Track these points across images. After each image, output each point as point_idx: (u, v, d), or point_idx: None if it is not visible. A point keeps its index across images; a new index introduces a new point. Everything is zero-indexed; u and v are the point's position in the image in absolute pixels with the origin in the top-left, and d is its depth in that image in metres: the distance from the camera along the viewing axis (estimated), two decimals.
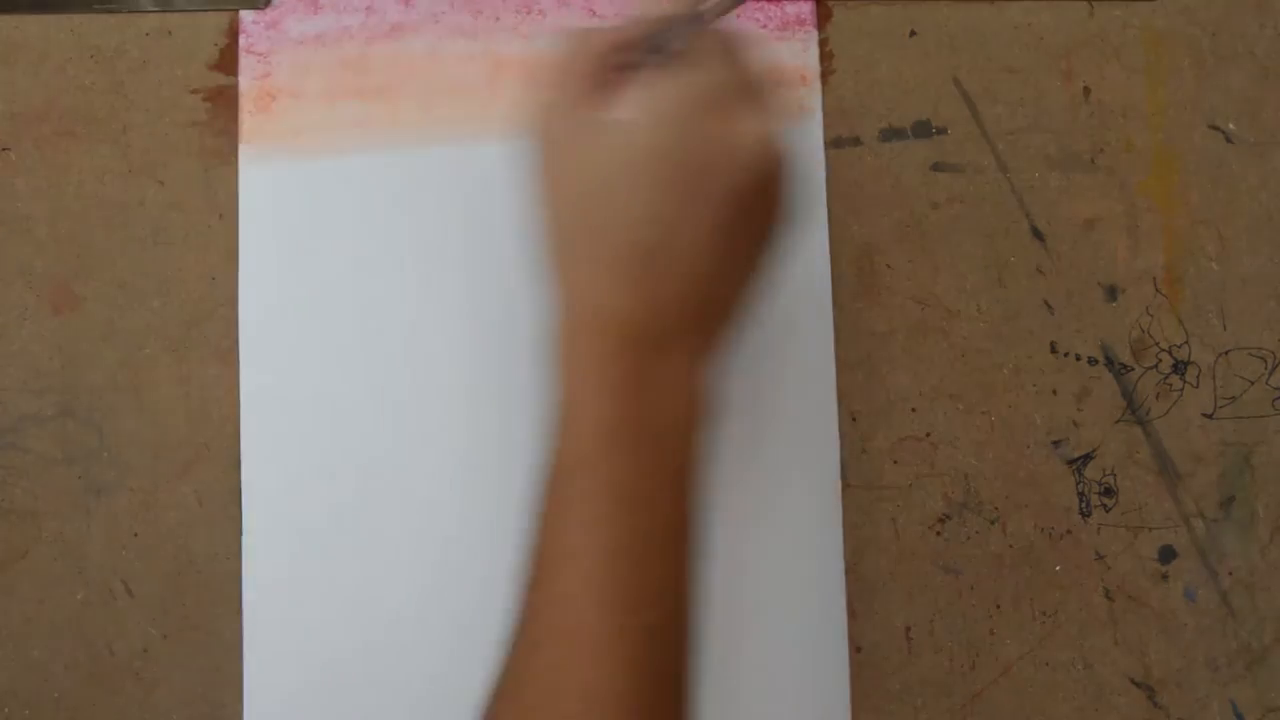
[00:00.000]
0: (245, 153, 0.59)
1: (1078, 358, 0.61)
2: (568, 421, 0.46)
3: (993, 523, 0.60)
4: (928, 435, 0.60)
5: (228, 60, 0.59)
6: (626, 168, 0.45)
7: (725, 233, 0.45)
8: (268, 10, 0.59)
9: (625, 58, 0.47)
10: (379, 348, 0.59)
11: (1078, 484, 0.61)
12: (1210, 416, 0.61)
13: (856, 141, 0.61)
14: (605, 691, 0.44)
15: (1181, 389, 0.61)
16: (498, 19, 0.60)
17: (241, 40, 0.59)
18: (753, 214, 0.46)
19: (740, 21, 0.60)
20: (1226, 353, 0.61)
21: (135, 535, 0.58)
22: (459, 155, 0.59)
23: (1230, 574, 0.61)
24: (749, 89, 0.46)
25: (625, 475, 0.45)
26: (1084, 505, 0.61)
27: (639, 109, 0.45)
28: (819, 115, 0.61)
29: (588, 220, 0.46)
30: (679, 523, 0.46)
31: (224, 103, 0.59)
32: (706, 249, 0.45)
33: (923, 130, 0.61)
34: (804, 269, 0.60)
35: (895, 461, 0.60)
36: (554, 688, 0.44)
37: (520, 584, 0.47)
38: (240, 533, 0.58)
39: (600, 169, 0.45)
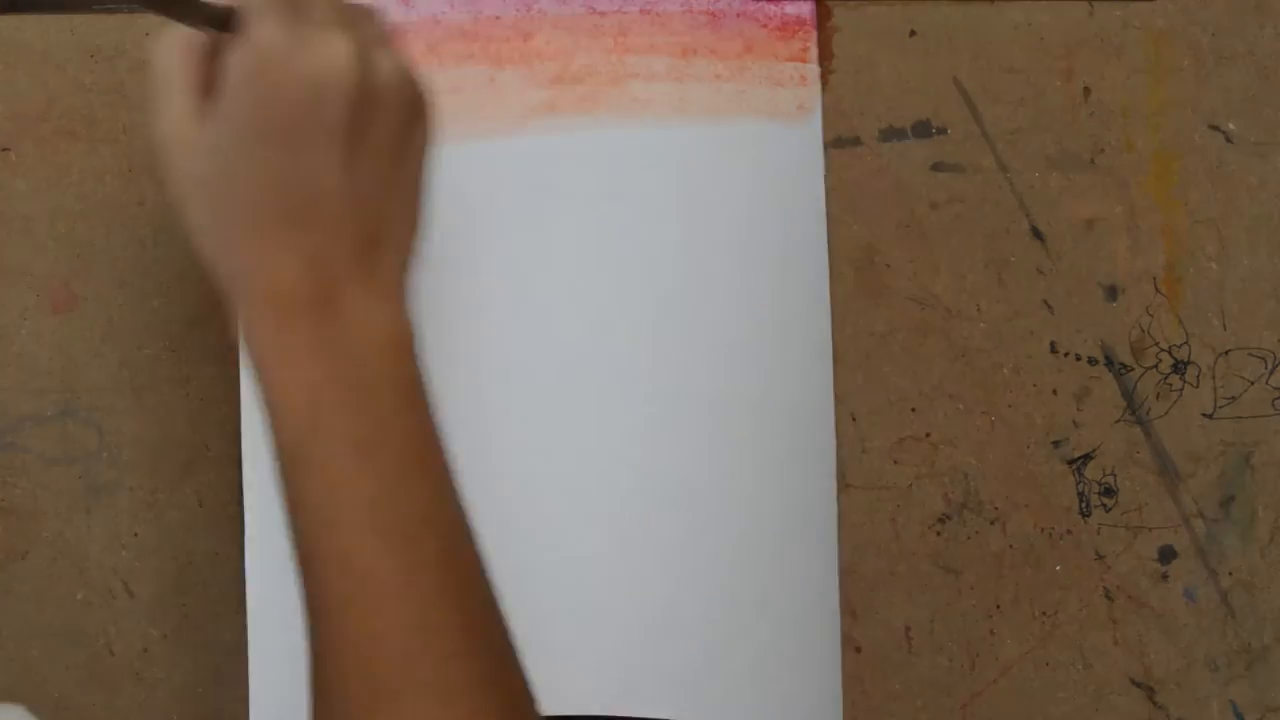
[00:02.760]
0: None
1: (1078, 358, 0.61)
2: (278, 402, 0.46)
3: (993, 523, 0.60)
4: (928, 435, 0.60)
5: None
6: (236, 143, 0.45)
7: (351, 165, 0.46)
8: None
9: (208, 45, 0.47)
10: None
11: (1078, 484, 0.61)
12: (1210, 416, 0.61)
13: (856, 141, 0.61)
14: (422, 623, 0.45)
15: (1181, 389, 0.61)
16: (497, 18, 0.60)
17: None
18: (368, 131, 0.46)
19: (740, 21, 0.60)
20: (1226, 353, 0.61)
21: (135, 535, 0.58)
22: (460, 154, 0.59)
23: (1230, 574, 0.61)
24: (324, 15, 0.46)
25: (349, 426, 0.45)
26: (1084, 505, 0.61)
27: (227, 84, 0.45)
28: (819, 115, 0.61)
29: (219, 206, 0.46)
30: (424, 453, 0.47)
31: None
32: (338, 188, 0.45)
33: (923, 130, 0.61)
34: (804, 269, 0.60)
35: (895, 461, 0.60)
36: (373, 635, 0.45)
37: (300, 584, 0.46)
38: (240, 533, 0.58)
39: (213, 152, 0.46)
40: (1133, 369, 0.61)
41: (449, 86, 0.60)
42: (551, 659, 0.57)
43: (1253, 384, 0.61)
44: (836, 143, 0.61)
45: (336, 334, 0.46)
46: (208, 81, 0.47)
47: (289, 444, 0.46)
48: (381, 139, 0.47)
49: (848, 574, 0.60)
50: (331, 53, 0.45)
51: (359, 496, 0.45)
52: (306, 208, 0.46)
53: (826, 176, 0.61)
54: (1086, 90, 0.61)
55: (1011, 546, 0.60)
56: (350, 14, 0.48)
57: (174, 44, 0.47)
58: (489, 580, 0.48)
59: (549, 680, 0.57)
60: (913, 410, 0.60)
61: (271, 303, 0.46)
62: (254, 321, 0.46)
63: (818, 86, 0.61)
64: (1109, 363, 0.61)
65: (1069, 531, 0.60)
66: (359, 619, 0.45)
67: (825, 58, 0.61)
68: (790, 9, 0.61)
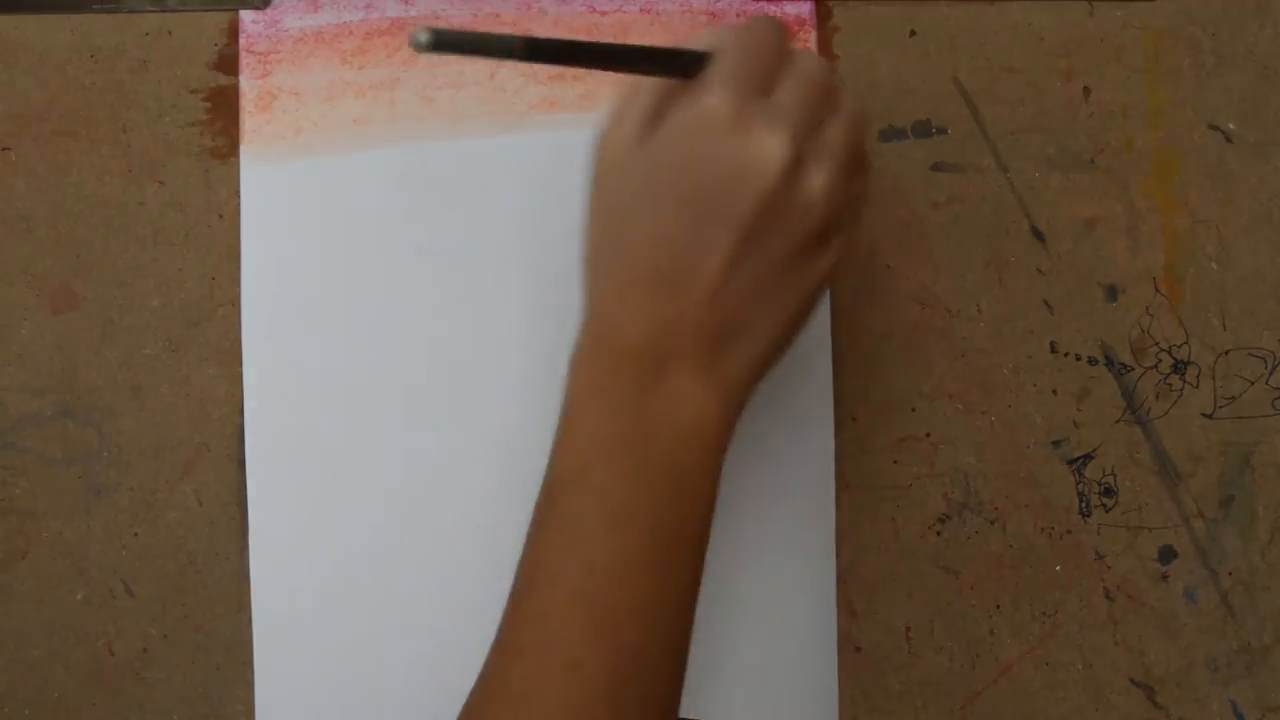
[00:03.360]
0: (245, 153, 0.59)
1: (1078, 358, 0.61)
2: (566, 433, 0.47)
3: (993, 523, 0.60)
4: (928, 435, 0.60)
5: (228, 60, 0.59)
6: (647, 190, 0.46)
7: (740, 256, 0.46)
8: (268, 10, 0.59)
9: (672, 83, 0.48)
10: (381, 345, 0.59)
11: (1078, 484, 0.61)
12: (1210, 416, 0.61)
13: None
14: (577, 707, 0.44)
15: (1181, 389, 0.61)
16: (498, 15, 0.60)
17: (241, 40, 0.59)
18: (768, 237, 0.46)
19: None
20: (1226, 353, 0.61)
21: (135, 535, 0.58)
22: (460, 152, 0.59)
23: (1230, 574, 0.61)
24: (782, 110, 0.46)
25: (613, 491, 0.45)
26: (1084, 505, 0.61)
27: (665, 133, 0.46)
28: None
29: (612, 240, 0.47)
30: (668, 542, 0.46)
31: (224, 103, 0.59)
32: (718, 272, 0.45)
33: (923, 130, 0.61)
34: None
35: (895, 461, 0.60)
36: (527, 698, 0.44)
37: (510, 593, 0.47)
38: (241, 532, 0.58)
39: (628, 191, 0.46)
40: (1133, 369, 0.61)
41: (449, 82, 0.60)
42: None
43: (1253, 384, 0.61)
44: None
45: (651, 401, 0.46)
46: (660, 112, 0.47)
47: (553, 480, 0.47)
48: (778, 249, 0.46)
49: (848, 574, 0.60)
50: (765, 150, 0.45)
51: (588, 565, 0.45)
52: (678, 277, 0.46)
53: None
54: (1086, 90, 0.61)
55: (1011, 546, 0.60)
56: (816, 112, 0.47)
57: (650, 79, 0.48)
58: (667, 702, 0.47)
59: None
60: (913, 410, 0.60)
61: (606, 346, 0.46)
62: (584, 350, 0.47)
63: None
64: (1109, 363, 0.61)
65: (1069, 531, 0.60)
66: (525, 669, 0.45)
67: (825, 57, 0.61)
68: (790, 9, 0.61)
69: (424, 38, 0.42)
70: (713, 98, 0.45)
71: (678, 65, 0.47)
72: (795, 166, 0.45)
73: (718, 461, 0.48)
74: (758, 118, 0.45)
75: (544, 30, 0.60)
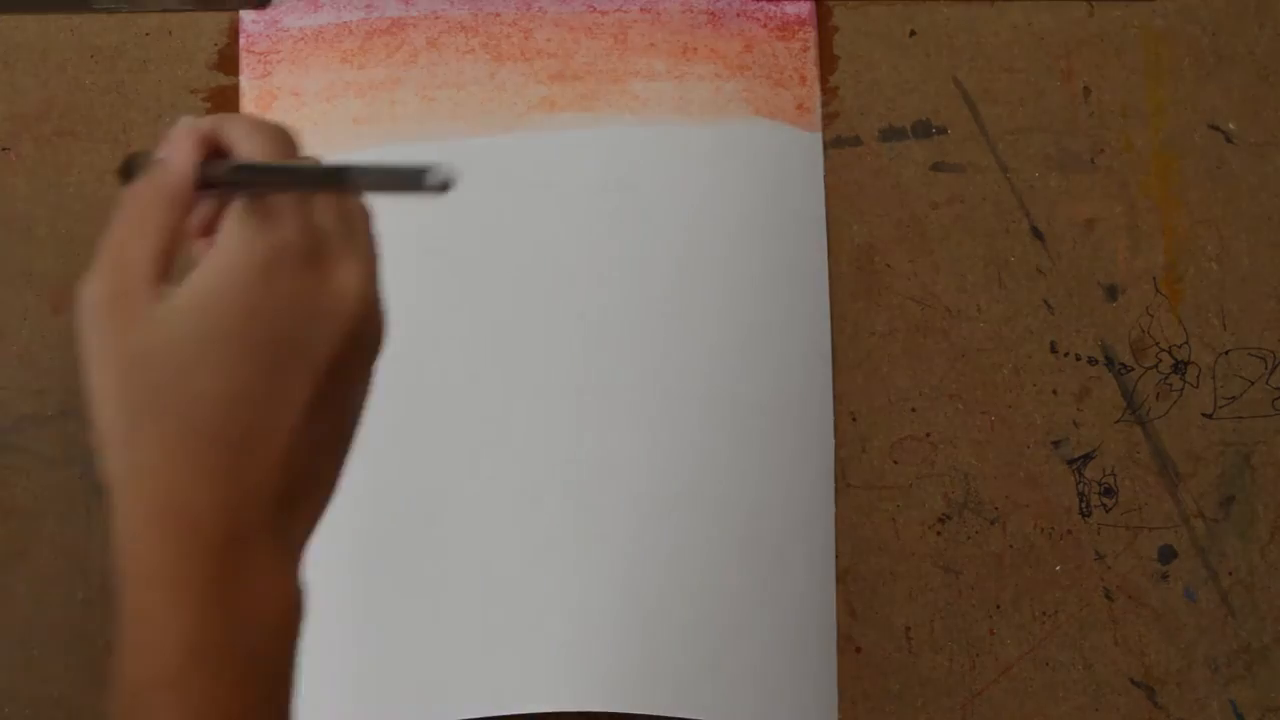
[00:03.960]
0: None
1: (1078, 358, 0.61)
2: (140, 637, 0.39)
3: (993, 523, 0.60)
4: (928, 435, 0.60)
5: (228, 60, 0.59)
6: (201, 339, 0.39)
7: (318, 405, 0.40)
8: (268, 10, 0.59)
9: (206, 207, 0.42)
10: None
11: (1078, 484, 0.61)
12: (1210, 416, 0.61)
13: (856, 141, 0.61)
14: None
15: (1181, 389, 0.61)
16: (498, 14, 0.60)
17: (241, 40, 0.59)
18: (348, 378, 0.41)
19: (740, 21, 0.60)
20: (1226, 353, 0.61)
21: None
22: (461, 151, 0.59)
23: (1230, 574, 0.61)
24: (344, 233, 0.41)
25: (212, 700, 0.39)
26: (1084, 505, 0.61)
27: (211, 276, 0.39)
28: (819, 115, 0.61)
29: (157, 398, 0.39)
30: None
31: (224, 103, 0.59)
32: (294, 426, 0.40)
33: (923, 130, 0.61)
34: (804, 269, 0.60)
35: (895, 461, 0.60)
36: None
37: None
38: None
39: (169, 342, 0.39)
40: (1133, 369, 0.61)
41: (449, 81, 0.60)
42: (550, 656, 0.57)
43: (1253, 384, 0.61)
44: (836, 143, 0.61)
45: (233, 586, 0.39)
46: (175, 246, 0.40)
47: (136, 687, 0.39)
48: (354, 388, 0.42)
49: (848, 574, 0.60)
50: (347, 283, 0.40)
51: None
52: (252, 436, 0.39)
53: (826, 176, 0.61)
54: (1086, 90, 0.61)
55: (1011, 546, 0.60)
56: (360, 221, 0.42)
57: (162, 186, 0.41)
58: None
59: (547, 677, 0.57)
60: (913, 410, 0.60)
61: (172, 522, 0.39)
62: (141, 533, 0.40)
63: (817, 86, 0.61)
64: (1109, 363, 0.61)
65: (1069, 531, 0.60)
66: None
67: (825, 57, 0.61)
68: (790, 9, 0.61)
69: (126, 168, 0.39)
70: (286, 228, 0.39)
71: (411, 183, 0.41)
72: (370, 293, 0.41)
73: (297, 643, 0.41)
74: (335, 249, 0.40)
75: (544, 30, 0.60)
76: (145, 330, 0.39)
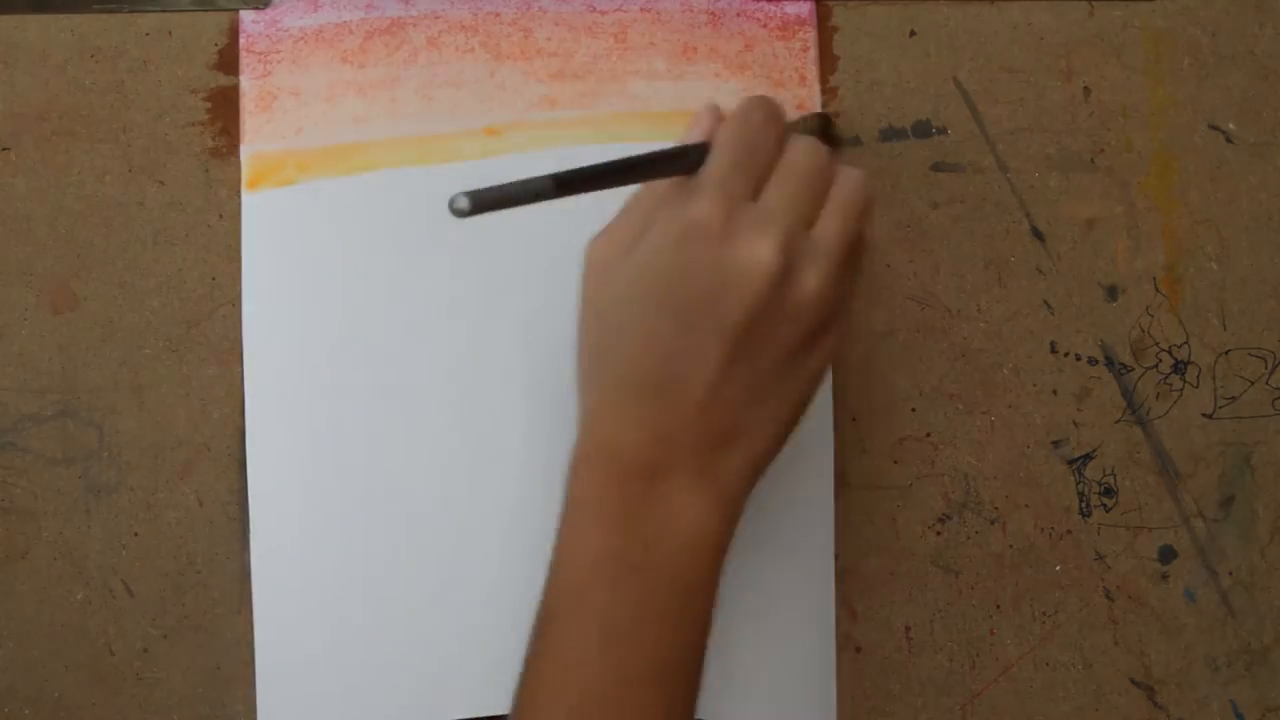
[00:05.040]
0: (246, 152, 0.59)
1: (1078, 358, 0.61)
2: (562, 550, 0.46)
3: (993, 523, 0.60)
4: (928, 435, 0.60)
5: (228, 60, 0.59)
6: (637, 298, 0.45)
7: (731, 363, 0.45)
8: (267, 10, 0.59)
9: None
10: (382, 345, 0.59)
11: (1078, 484, 0.61)
12: (1210, 416, 0.61)
13: (856, 141, 0.61)
14: None
15: (1181, 389, 0.61)
16: (498, 14, 0.60)
17: (241, 40, 0.59)
18: (762, 342, 0.45)
19: (740, 21, 0.60)
20: (1226, 353, 0.61)
21: (135, 535, 0.58)
22: (465, 165, 0.60)
23: (1230, 574, 0.61)
24: (770, 213, 0.45)
25: (612, 610, 0.44)
26: (1084, 505, 0.61)
27: (653, 241, 0.45)
28: None
29: (603, 348, 0.46)
30: (669, 659, 0.45)
31: (224, 103, 0.59)
32: (710, 380, 0.45)
33: (923, 130, 0.61)
34: None
35: (895, 461, 0.60)
36: None
37: (510, 713, 0.46)
38: (241, 532, 0.58)
39: (617, 299, 0.46)
40: (1133, 369, 0.61)
41: (449, 80, 0.60)
42: None
43: (1253, 384, 0.61)
44: (836, 143, 0.61)
45: (649, 514, 0.45)
46: (651, 218, 0.47)
47: (553, 595, 0.45)
48: (770, 354, 0.46)
49: (848, 574, 0.60)
50: (753, 259, 0.44)
51: (587, 689, 0.44)
52: (672, 387, 0.45)
53: None
54: (1086, 90, 0.61)
55: (1011, 546, 0.60)
56: (809, 208, 0.47)
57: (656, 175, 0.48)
58: None
59: None
60: (913, 410, 0.60)
61: (602, 456, 0.46)
62: (580, 463, 0.46)
63: (817, 86, 0.61)
64: (1109, 363, 0.61)
65: (1069, 531, 0.61)
66: None
67: (825, 57, 0.61)
68: (790, 9, 0.61)
69: (464, 203, 0.42)
70: (700, 205, 0.45)
71: (685, 163, 0.47)
72: (784, 273, 0.45)
73: (718, 571, 0.47)
74: (745, 224, 0.45)
75: (544, 29, 0.60)
76: (609, 287, 0.46)
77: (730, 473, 0.46)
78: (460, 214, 0.42)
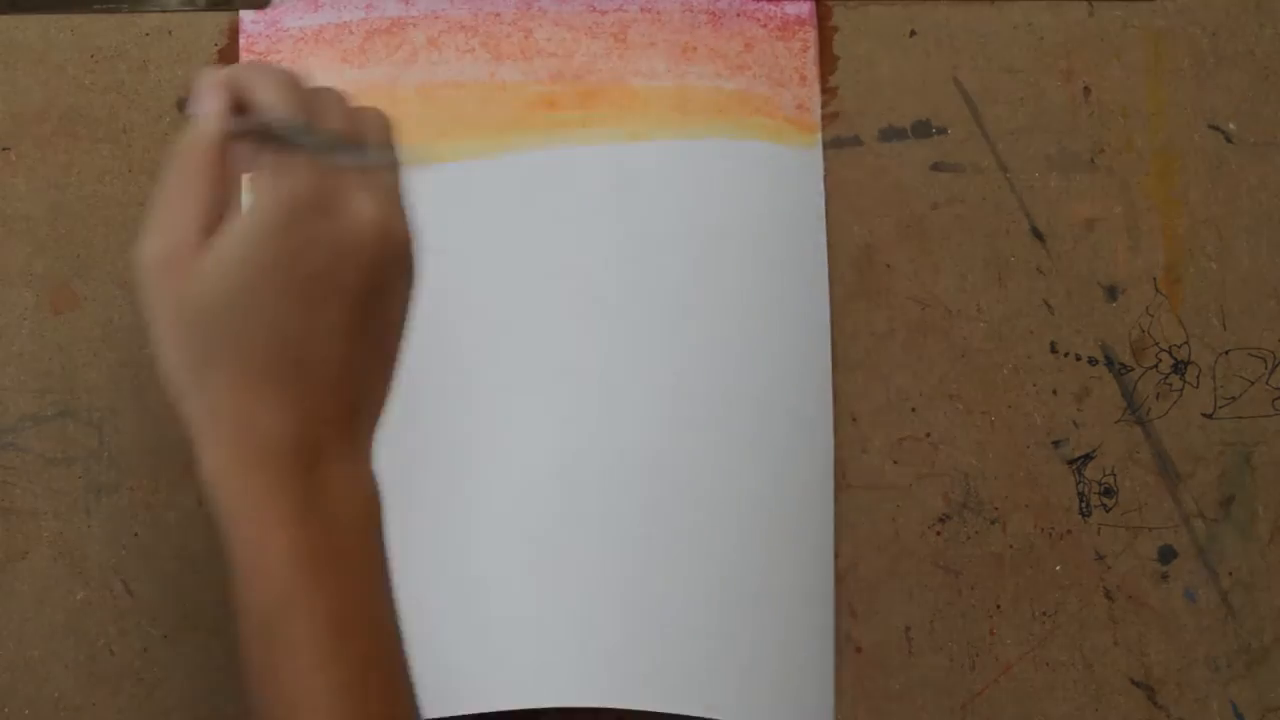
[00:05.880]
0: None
1: (1078, 358, 0.61)
2: (253, 564, 0.44)
3: (993, 523, 0.60)
4: (928, 435, 0.60)
5: (228, 60, 0.59)
6: (243, 282, 0.43)
7: (361, 328, 0.44)
8: (268, 10, 0.59)
9: (246, 154, 0.45)
10: None
11: (1078, 484, 0.61)
12: (1210, 416, 0.61)
13: (856, 141, 0.61)
14: None
15: (1181, 389, 0.61)
16: (498, 14, 0.60)
17: (241, 40, 0.59)
18: (384, 300, 0.45)
19: (740, 21, 0.60)
20: (1226, 353, 0.61)
21: (135, 535, 0.58)
22: (465, 165, 0.60)
23: (1230, 574, 0.61)
24: (356, 174, 0.45)
25: (335, 603, 0.43)
26: (1084, 505, 0.61)
27: (243, 227, 0.43)
28: (819, 115, 0.61)
29: (218, 345, 0.44)
30: (389, 628, 0.45)
31: None
32: (345, 350, 0.44)
33: (923, 130, 0.61)
34: (804, 269, 0.60)
35: (895, 461, 0.60)
36: None
37: None
38: None
39: (220, 293, 0.43)
40: (1133, 369, 0.61)
41: (450, 80, 0.60)
42: (547, 654, 0.57)
43: (1253, 384, 0.61)
44: (836, 143, 0.61)
45: (320, 499, 0.44)
46: (218, 199, 0.44)
47: (261, 611, 0.43)
48: (386, 304, 0.45)
49: (848, 574, 0.60)
50: (362, 214, 0.44)
51: (333, 681, 0.43)
52: (306, 366, 0.44)
53: (826, 176, 0.61)
54: (1086, 90, 0.61)
55: (1011, 546, 0.60)
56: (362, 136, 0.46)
57: (203, 147, 0.45)
58: None
59: (544, 675, 0.57)
60: (913, 410, 0.60)
61: (254, 455, 0.44)
62: (229, 470, 0.44)
63: (817, 86, 0.61)
64: (1109, 363, 0.61)
65: (1069, 531, 0.61)
66: None
67: (825, 57, 0.61)
68: (790, 9, 0.61)
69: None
70: (299, 179, 0.43)
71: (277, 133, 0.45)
72: (385, 221, 0.44)
73: (384, 535, 0.46)
74: (341, 187, 0.44)
75: (544, 30, 0.60)
76: (195, 283, 0.43)
77: (365, 436, 0.46)
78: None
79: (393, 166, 0.47)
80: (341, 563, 0.44)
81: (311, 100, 0.46)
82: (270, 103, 0.44)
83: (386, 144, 0.47)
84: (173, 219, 0.44)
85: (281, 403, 0.44)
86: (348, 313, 0.44)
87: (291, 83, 0.46)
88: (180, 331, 0.44)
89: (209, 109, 0.45)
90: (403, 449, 0.58)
